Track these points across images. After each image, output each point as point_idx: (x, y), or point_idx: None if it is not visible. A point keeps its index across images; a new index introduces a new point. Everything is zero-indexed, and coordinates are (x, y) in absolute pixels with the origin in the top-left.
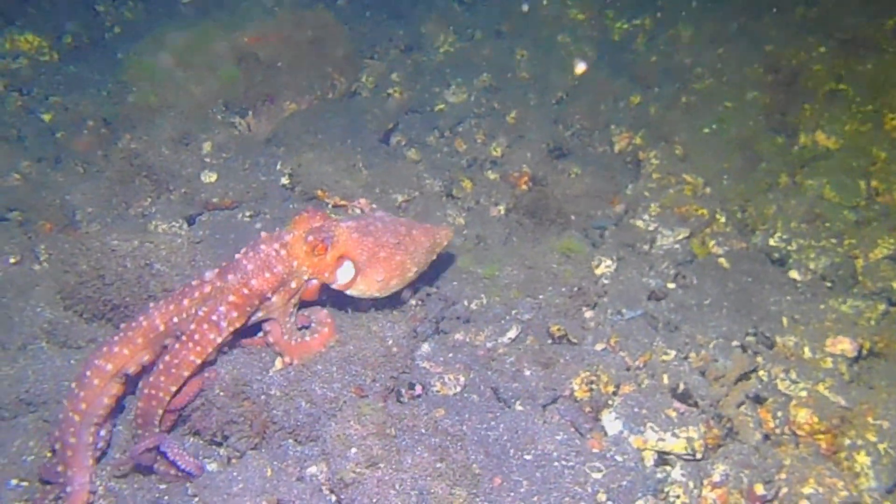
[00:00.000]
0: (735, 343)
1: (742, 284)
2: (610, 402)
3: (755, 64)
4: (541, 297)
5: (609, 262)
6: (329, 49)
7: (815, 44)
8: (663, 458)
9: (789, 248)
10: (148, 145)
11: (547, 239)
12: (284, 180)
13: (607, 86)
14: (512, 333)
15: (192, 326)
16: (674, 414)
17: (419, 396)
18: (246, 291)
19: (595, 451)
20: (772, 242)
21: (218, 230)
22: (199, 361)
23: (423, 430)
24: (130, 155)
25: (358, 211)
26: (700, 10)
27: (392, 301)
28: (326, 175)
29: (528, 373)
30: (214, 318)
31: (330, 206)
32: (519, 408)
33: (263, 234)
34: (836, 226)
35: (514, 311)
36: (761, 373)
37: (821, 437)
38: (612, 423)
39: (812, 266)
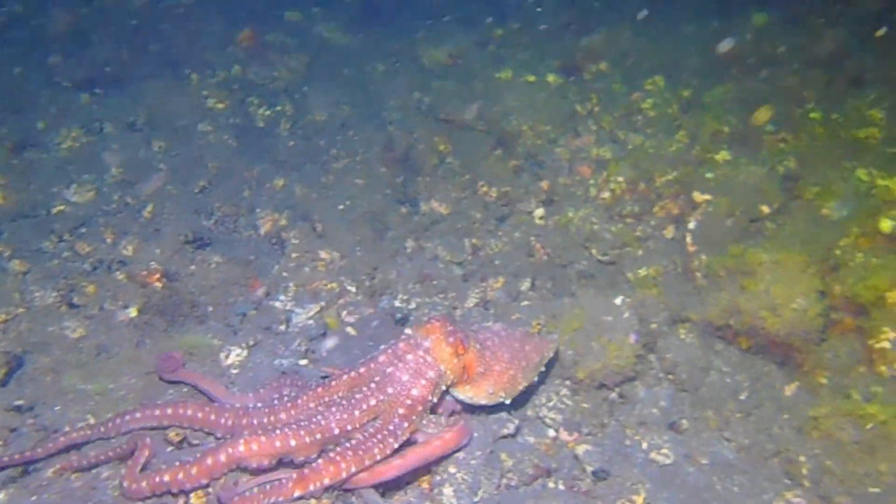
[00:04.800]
0: None
1: (365, 349)
2: None
3: (379, 143)
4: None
5: (239, 350)
6: None
7: (423, 123)
8: None
9: (410, 307)
10: None
11: (174, 338)
12: None
13: (250, 171)
14: None
15: (375, 435)
16: None
17: None
18: (410, 402)
19: None
20: (397, 304)
21: None
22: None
23: None
24: None
25: None
26: (333, 96)
27: None
28: None
29: None
30: (391, 427)
31: None
32: None
33: (401, 344)
34: (440, 283)
35: None
36: None
37: (423, 478)
38: None
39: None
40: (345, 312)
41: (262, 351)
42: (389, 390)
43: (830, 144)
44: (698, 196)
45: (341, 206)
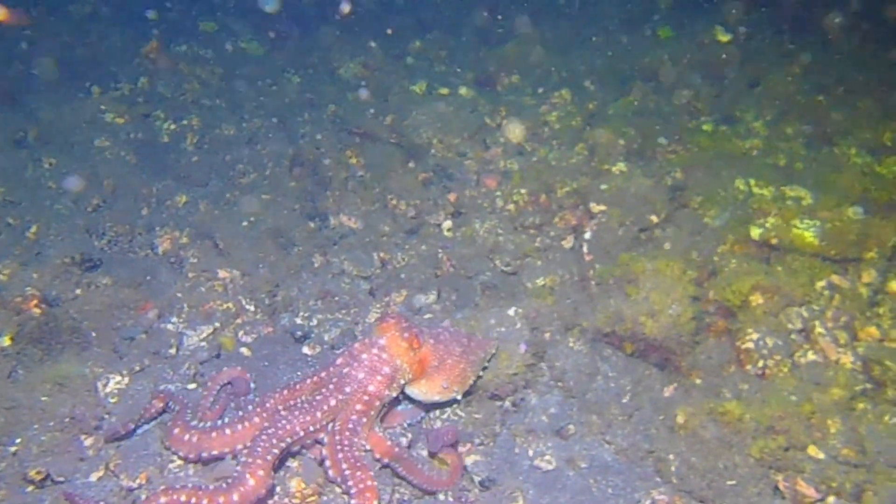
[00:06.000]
0: None
1: (260, 370)
2: None
3: (289, 157)
4: (18, 440)
5: (119, 377)
6: None
7: (335, 136)
8: None
9: (312, 323)
10: None
11: (45, 368)
12: None
13: (149, 188)
14: None
15: (338, 437)
16: None
17: None
18: (367, 398)
19: None
20: (298, 321)
21: None
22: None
23: None
24: None
25: None
26: (245, 109)
27: None
28: None
29: None
30: (351, 426)
31: None
32: None
33: (356, 345)
34: (343, 298)
35: None
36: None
37: (311, 499)
38: None
39: (326, 338)
40: (241, 332)
41: (146, 377)
42: (347, 389)
43: (716, 155)
44: (595, 207)
45: (245, 223)
